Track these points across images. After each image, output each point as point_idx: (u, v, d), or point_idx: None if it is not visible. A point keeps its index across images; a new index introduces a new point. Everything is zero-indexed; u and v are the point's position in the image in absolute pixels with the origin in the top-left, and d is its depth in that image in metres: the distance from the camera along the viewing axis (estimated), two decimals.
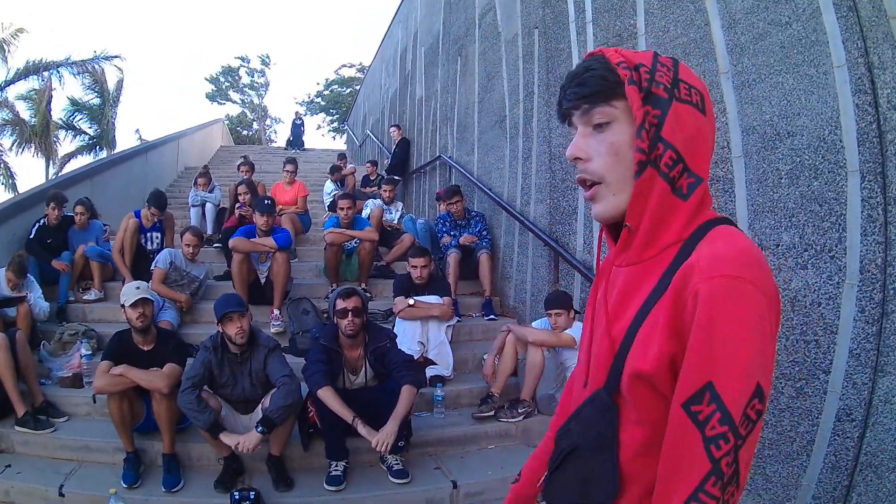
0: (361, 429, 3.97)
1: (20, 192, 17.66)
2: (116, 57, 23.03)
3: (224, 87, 43.80)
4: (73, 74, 21.48)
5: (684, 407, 0.99)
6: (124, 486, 4.10)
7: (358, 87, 27.89)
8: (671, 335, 1.03)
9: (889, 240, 2.81)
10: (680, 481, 0.99)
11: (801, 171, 3.08)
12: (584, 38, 4.86)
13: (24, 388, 4.85)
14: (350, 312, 4.29)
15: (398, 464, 4.27)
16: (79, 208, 7.06)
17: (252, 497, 3.87)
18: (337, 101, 41.46)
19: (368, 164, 11.91)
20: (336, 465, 4.19)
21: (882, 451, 2.82)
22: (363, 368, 4.45)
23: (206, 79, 44.16)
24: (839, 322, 2.98)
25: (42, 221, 6.98)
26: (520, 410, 4.78)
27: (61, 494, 4.10)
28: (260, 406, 4.22)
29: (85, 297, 6.66)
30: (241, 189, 8.11)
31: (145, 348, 4.41)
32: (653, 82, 1.09)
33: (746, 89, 3.40)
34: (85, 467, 4.47)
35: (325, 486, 4.13)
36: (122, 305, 4.38)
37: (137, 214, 6.87)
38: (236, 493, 3.90)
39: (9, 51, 19.07)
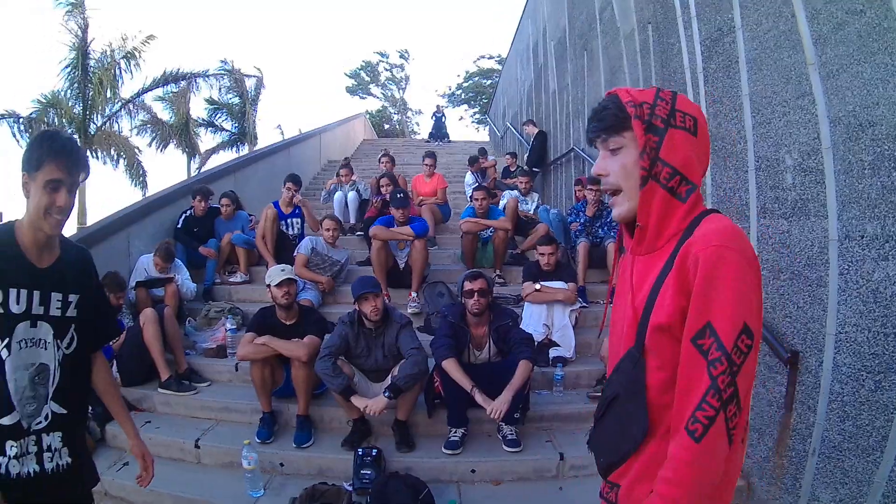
0: (478, 396, 4.31)
1: (150, 188, 19.28)
2: (253, 76, 24.55)
3: (364, 81, 44.71)
4: (208, 83, 22.97)
5: (692, 341, 1.36)
6: (258, 441, 4.61)
7: (497, 79, 27.88)
8: (680, 292, 1.39)
9: None
10: (690, 395, 1.35)
11: (882, 161, 3.06)
12: (690, 33, 4.92)
13: (171, 357, 5.50)
14: (476, 293, 4.63)
15: (512, 434, 4.55)
16: (225, 200, 7.73)
17: (374, 454, 4.26)
18: (478, 92, 41.30)
19: (508, 156, 12.10)
20: (455, 432, 4.56)
21: None
22: (487, 345, 4.77)
23: (346, 74, 45.42)
24: None
25: (189, 212, 7.66)
26: None
27: (197, 446, 4.66)
28: (390, 375, 4.62)
29: (231, 280, 7.38)
30: (383, 181, 8.60)
31: (287, 322, 4.91)
32: (653, 115, 1.46)
33: (831, 80, 3.38)
34: (221, 425, 5.06)
35: (443, 449, 4.49)
36: (269, 285, 4.88)
37: (276, 204, 7.50)
38: (360, 451, 4.30)
39: (140, 57, 20.29)
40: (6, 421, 2.02)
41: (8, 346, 2.01)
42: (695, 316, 1.36)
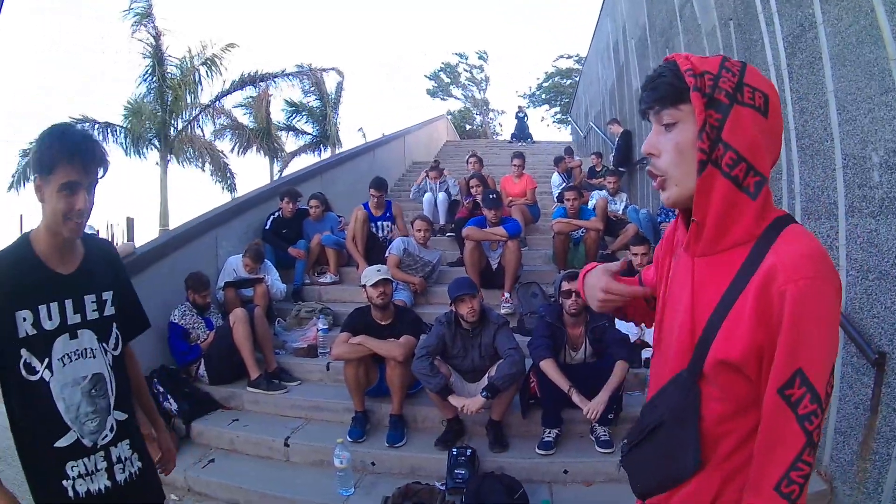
0: (575, 397, 4.29)
1: (239, 191, 19.28)
2: (333, 69, 24.51)
3: (445, 83, 44.81)
4: (289, 83, 23.05)
5: (780, 392, 1.18)
6: (349, 440, 4.65)
7: (577, 78, 27.50)
8: (758, 327, 1.20)
9: None
10: (779, 454, 1.18)
11: None
12: (772, 29, 4.82)
13: (261, 357, 5.59)
14: (574, 293, 4.57)
15: (605, 435, 4.52)
16: (313, 202, 7.85)
17: (469, 454, 4.29)
18: (559, 92, 41.02)
19: (594, 156, 11.90)
20: (549, 432, 4.55)
21: None
22: (583, 345, 4.75)
23: (426, 76, 45.74)
24: None
25: (276, 214, 7.80)
26: None
27: (286, 445, 4.73)
28: (486, 375, 4.64)
29: (320, 280, 7.47)
30: (473, 182, 8.62)
31: (383, 322, 4.94)
32: (715, 88, 1.23)
33: None
34: (311, 424, 5.12)
35: (537, 449, 4.48)
36: (364, 285, 4.92)
37: (366, 206, 7.54)
38: (454, 450, 4.34)
39: (221, 64, 20.51)
40: (63, 442, 1.92)
41: (49, 367, 1.90)
42: (783, 363, 1.18)
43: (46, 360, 1.90)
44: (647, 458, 1.45)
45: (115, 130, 19.48)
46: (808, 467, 1.17)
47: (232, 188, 22.43)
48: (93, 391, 1.99)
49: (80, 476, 1.95)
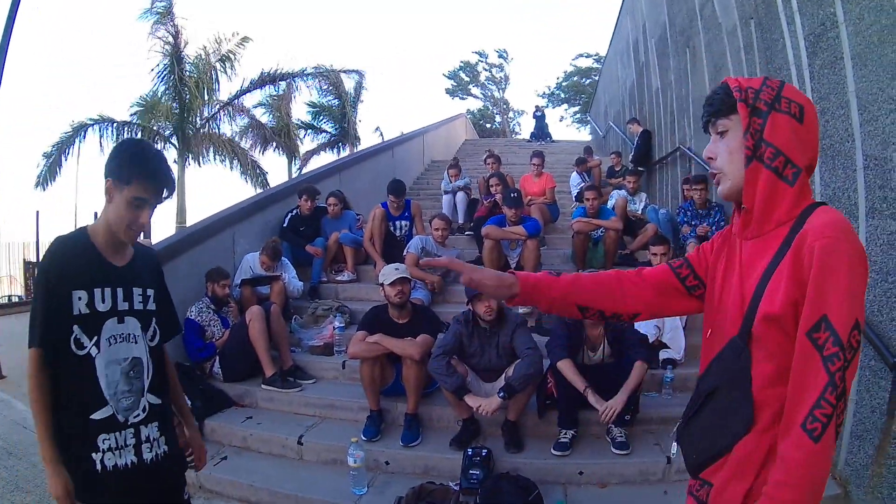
0: (591, 397, 4.29)
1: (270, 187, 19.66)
2: (355, 71, 24.61)
3: (464, 82, 44.77)
4: (309, 82, 23.10)
5: (808, 335, 1.34)
6: (364, 439, 4.63)
7: (596, 77, 27.44)
8: (794, 283, 1.38)
9: None
10: (806, 392, 1.33)
11: None
12: (794, 29, 4.79)
13: (275, 354, 5.59)
14: None
15: (621, 436, 4.49)
16: (332, 199, 7.84)
17: (484, 454, 4.26)
18: (578, 91, 41.00)
19: (613, 156, 12.00)
20: (565, 433, 4.51)
21: None
22: (602, 345, 4.71)
23: (445, 75, 45.68)
24: None
25: (294, 212, 7.82)
26: None
27: (300, 443, 4.72)
28: (503, 375, 4.60)
29: (338, 278, 7.46)
30: (493, 181, 8.58)
31: (400, 321, 4.92)
32: (757, 99, 1.49)
33: None
34: (326, 422, 5.11)
35: (552, 450, 4.44)
36: (381, 284, 4.91)
37: (384, 205, 7.55)
38: (470, 450, 4.30)
39: (236, 60, 20.64)
40: (98, 415, 2.08)
41: (97, 344, 2.09)
42: (810, 309, 1.35)
43: (95, 338, 2.09)
44: (704, 425, 1.59)
45: (134, 130, 19.63)
46: (831, 407, 1.30)
47: (264, 185, 22.31)
48: (131, 372, 2.18)
49: (109, 450, 2.10)
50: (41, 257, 2.32)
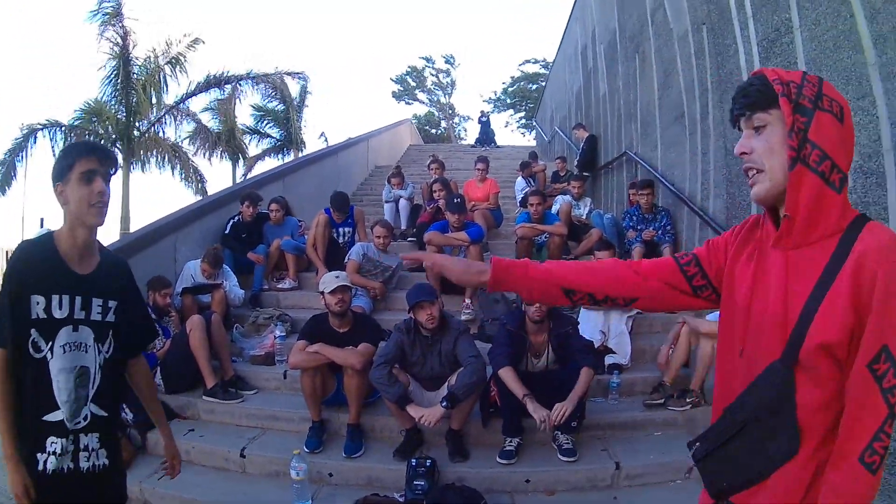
0: (530, 405, 4.23)
1: (209, 194, 19.62)
2: (299, 74, 24.62)
3: (411, 87, 44.93)
4: (253, 87, 23.02)
5: (868, 367, 1.28)
6: (307, 450, 4.54)
7: (543, 83, 27.68)
8: (852, 310, 1.30)
9: None
10: (864, 423, 1.29)
11: None
12: (747, 34, 4.83)
13: (217, 364, 5.44)
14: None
15: (568, 443, 4.46)
16: (274, 206, 7.73)
17: (428, 465, 4.20)
18: (524, 97, 41.29)
19: (558, 161, 11.96)
20: (510, 441, 4.48)
21: None
22: (546, 352, 4.69)
23: (392, 79, 45.76)
24: None
25: (237, 218, 7.67)
26: (687, 400, 4.87)
27: (242, 456, 4.62)
28: (446, 384, 4.55)
29: (279, 286, 7.33)
30: (436, 187, 8.56)
31: (341, 330, 4.84)
32: (800, 95, 1.37)
33: (892, 80, 3.31)
34: (268, 434, 4.99)
35: (498, 459, 4.40)
36: (322, 292, 4.82)
37: (328, 211, 7.44)
38: (414, 461, 4.24)
39: (186, 61, 20.47)
40: (50, 418, 2.11)
41: (52, 350, 2.11)
42: (871, 339, 1.29)
43: (51, 344, 2.12)
44: (739, 450, 1.48)
45: (81, 133, 19.33)
46: (888, 438, 1.27)
47: (203, 192, 22.12)
48: (78, 380, 2.18)
49: (54, 453, 2.12)
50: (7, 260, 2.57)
